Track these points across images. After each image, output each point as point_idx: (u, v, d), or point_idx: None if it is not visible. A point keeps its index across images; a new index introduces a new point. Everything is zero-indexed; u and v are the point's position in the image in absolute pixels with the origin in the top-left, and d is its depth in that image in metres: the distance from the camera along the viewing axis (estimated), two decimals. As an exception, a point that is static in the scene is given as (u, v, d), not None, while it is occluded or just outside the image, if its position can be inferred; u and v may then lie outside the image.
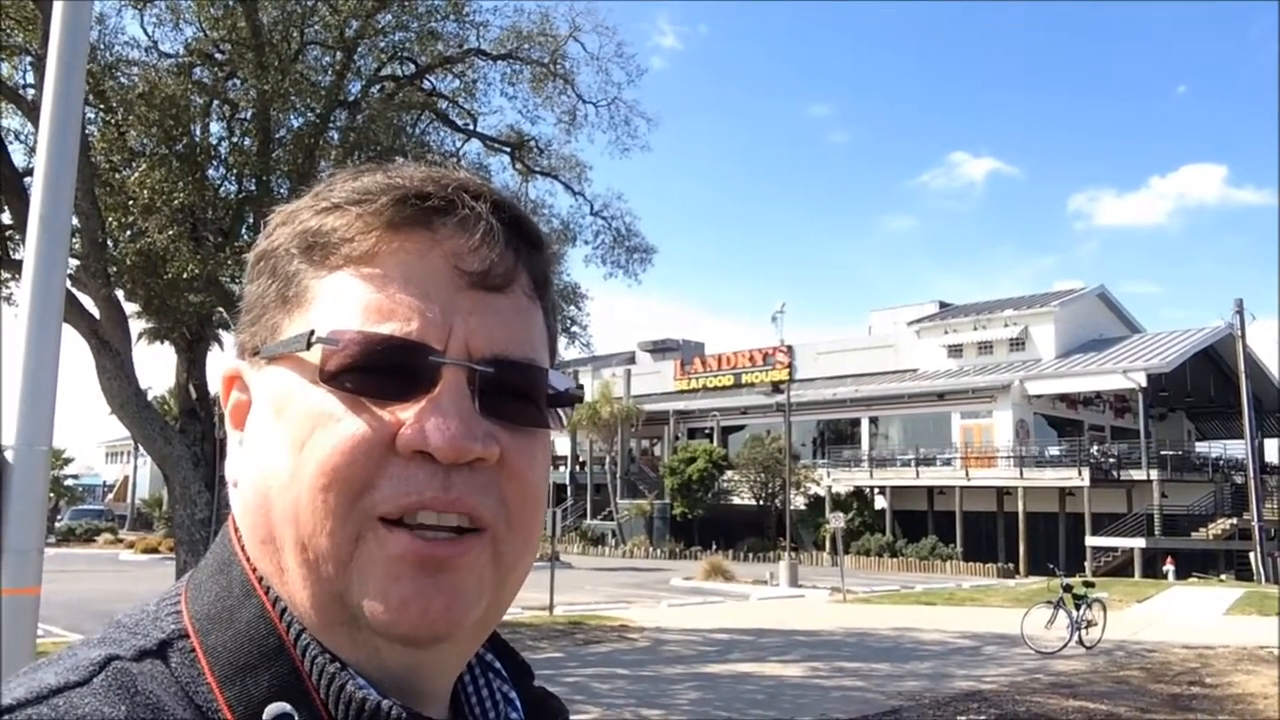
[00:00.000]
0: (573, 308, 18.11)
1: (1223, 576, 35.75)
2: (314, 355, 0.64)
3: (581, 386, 0.73)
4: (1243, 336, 37.67)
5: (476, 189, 0.68)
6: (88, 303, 12.62)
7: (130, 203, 13.00)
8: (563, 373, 0.72)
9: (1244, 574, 35.36)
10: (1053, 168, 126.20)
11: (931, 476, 42.95)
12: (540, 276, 0.72)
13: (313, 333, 0.64)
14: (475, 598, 0.64)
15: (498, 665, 0.77)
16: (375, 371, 0.63)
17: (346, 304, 0.65)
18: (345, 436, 0.62)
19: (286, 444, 0.64)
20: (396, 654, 0.64)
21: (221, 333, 16.17)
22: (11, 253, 13.92)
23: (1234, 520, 38.50)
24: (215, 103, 14.86)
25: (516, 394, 0.66)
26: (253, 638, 0.63)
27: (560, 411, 0.71)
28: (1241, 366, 36.78)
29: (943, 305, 52.44)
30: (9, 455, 4.42)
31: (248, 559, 0.67)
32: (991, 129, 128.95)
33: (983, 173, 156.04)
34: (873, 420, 47.68)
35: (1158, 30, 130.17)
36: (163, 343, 16.36)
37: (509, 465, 0.65)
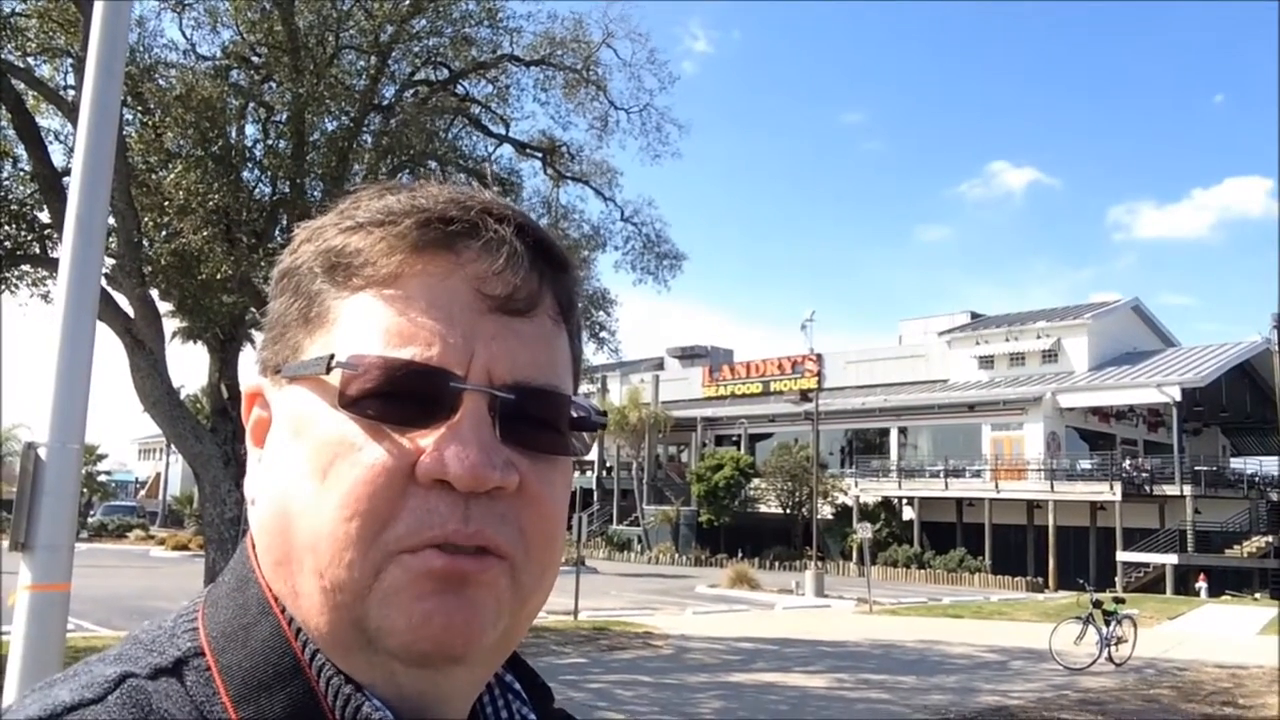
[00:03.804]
0: (601, 313, 18.14)
1: (1257, 595, 35.20)
2: (334, 379, 0.63)
3: (604, 413, 0.72)
4: (1279, 351, 37.13)
5: (501, 212, 0.67)
6: (123, 302, 12.79)
7: (166, 203, 13.15)
8: (586, 395, 0.70)
9: (1278, 593, 34.82)
10: (1093, 179, 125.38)
11: (961, 488, 42.62)
12: (565, 299, 0.70)
13: (333, 356, 0.63)
14: (493, 618, 0.63)
15: (517, 686, 0.76)
16: (395, 397, 0.62)
17: (368, 327, 0.64)
18: (367, 466, 0.61)
19: (307, 469, 0.63)
20: (412, 677, 0.63)
21: (254, 333, 16.32)
22: (49, 251, 14.12)
23: (1269, 538, 37.95)
24: (251, 105, 15.01)
25: (538, 420, 0.65)
26: (268, 657, 0.62)
27: (585, 436, 0.69)
28: (1278, 382, 36.25)
29: (974, 316, 52.09)
30: (42, 453, 4.47)
31: (264, 577, 0.66)
32: (1035, 138, 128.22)
33: (1022, 183, 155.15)
34: (902, 430, 47.41)
35: (1194, 37, 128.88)
36: (196, 342, 16.55)
37: (528, 493, 0.64)
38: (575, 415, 0.68)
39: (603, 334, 18.25)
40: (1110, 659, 15.78)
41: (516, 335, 0.65)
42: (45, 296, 15.07)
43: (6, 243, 14.01)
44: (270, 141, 15.20)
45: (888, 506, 44.61)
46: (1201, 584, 34.60)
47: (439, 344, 0.63)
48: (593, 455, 55.17)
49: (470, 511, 0.61)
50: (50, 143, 13.60)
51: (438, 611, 0.60)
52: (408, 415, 0.62)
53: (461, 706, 0.67)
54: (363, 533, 0.60)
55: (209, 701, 0.61)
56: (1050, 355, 44.90)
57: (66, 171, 12.06)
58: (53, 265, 13.24)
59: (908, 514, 44.51)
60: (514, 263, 0.66)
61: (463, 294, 0.64)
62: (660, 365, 61.82)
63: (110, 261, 12.09)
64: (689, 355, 62.72)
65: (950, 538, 42.62)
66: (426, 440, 0.62)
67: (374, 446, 0.61)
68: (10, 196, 14.13)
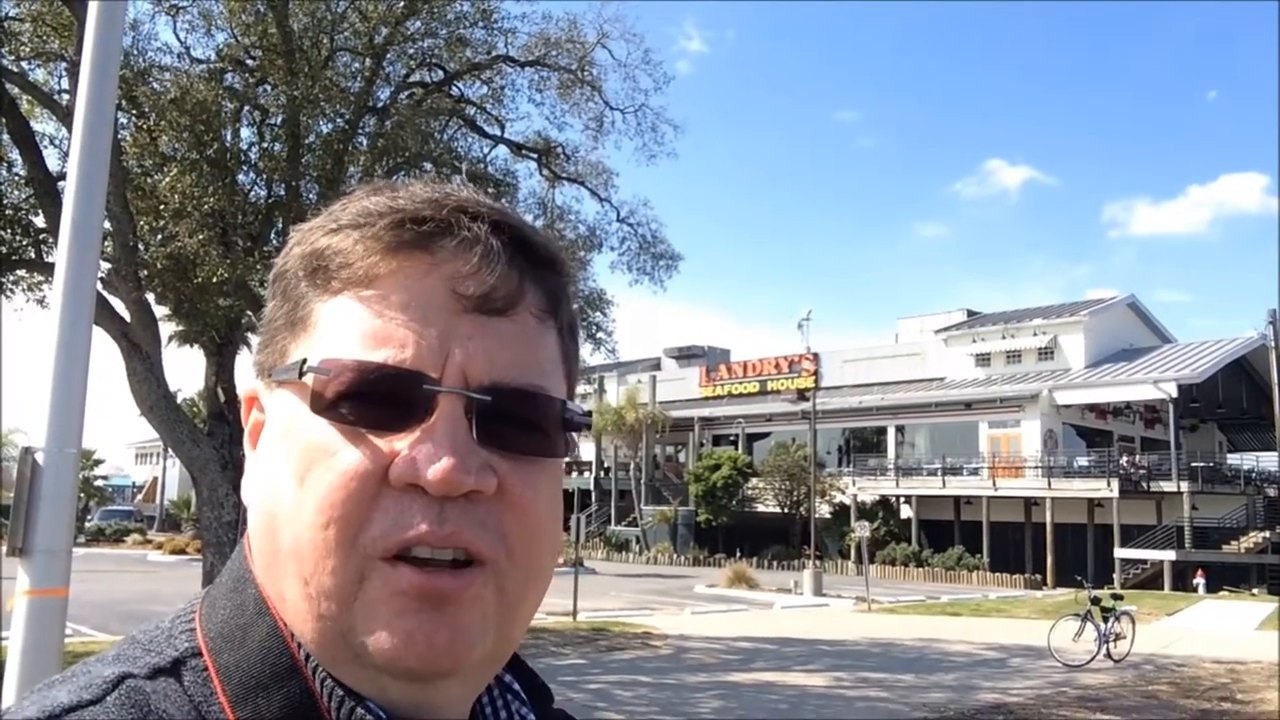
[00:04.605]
0: (598, 314, 18.13)
1: (1255, 590, 35.26)
2: (309, 383, 0.63)
3: (589, 413, 0.71)
4: (1276, 347, 37.18)
5: (475, 209, 0.66)
6: (119, 306, 12.76)
7: (161, 207, 13.13)
8: (583, 396, 0.70)
9: (1276, 588, 34.86)
10: (1090, 176, 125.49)
11: (958, 486, 42.63)
12: (551, 296, 0.69)
13: (304, 361, 0.63)
14: (480, 633, 0.63)
15: (516, 687, 0.76)
16: (370, 400, 0.62)
17: (345, 329, 0.64)
18: (340, 471, 0.61)
19: (288, 473, 0.63)
20: (402, 689, 0.63)
21: (250, 336, 16.30)
22: (45, 255, 14.10)
23: (1266, 533, 38.00)
24: (246, 108, 14.99)
25: (519, 422, 0.64)
26: (265, 657, 0.63)
27: (569, 435, 0.69)
28: (1274, 377, 36.32)
29: (971, 314, 52.11)
30: (39, 457, 4.46)
31: (260, 578, 0.66)
32: (1030, 136, 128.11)
33: (1018, 181, 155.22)
34: (899, 429, 47.42)
35: (1186, 34, 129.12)
36: (192, 346, 16.49)
37: (509, 496, 0.63)
38: (560, 414, 0.67)
39: (599, 334, 18.25)
40: (1109, 655, 15.79)
41: (495, 335, 0.64)
42: (41, 301, 15.05)
43: (2, 248, 13.98)
44: (265, 144, 15.17)
45: (885, 505, 44.62)
46: (1199, 580, 34.64)
47: (413, 346, 0.62)
48: (590, 456, 55.19)
49: (445, 514, 0.60)
50: (45, 147, 13.60)
51: (419, 630, 0.60)
52: (382, 418, 0.62)
53: (460, 709, 0.67)
54: (340, 538, 0.60)
55: (207, 702, 0.61)
56: (1047, 352, 44.92)
57: (61, 176, 12.05)
58: (48, 270, 13.21)
59: (905, 512, 44.52)
60: (489, 261, 0.65)
61: (438, 294, 0.64)
62: (657, 365, 61.81)
63: (106, 266, 12.07)
64: (686, 355, 62.71)
65: (948, 536, 42.63)
66: (402, 443, 0.61)
67: (348, 450, 0.61)
68: (5, 201, 14.10)
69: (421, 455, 0.60)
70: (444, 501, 0.60)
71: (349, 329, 0.63)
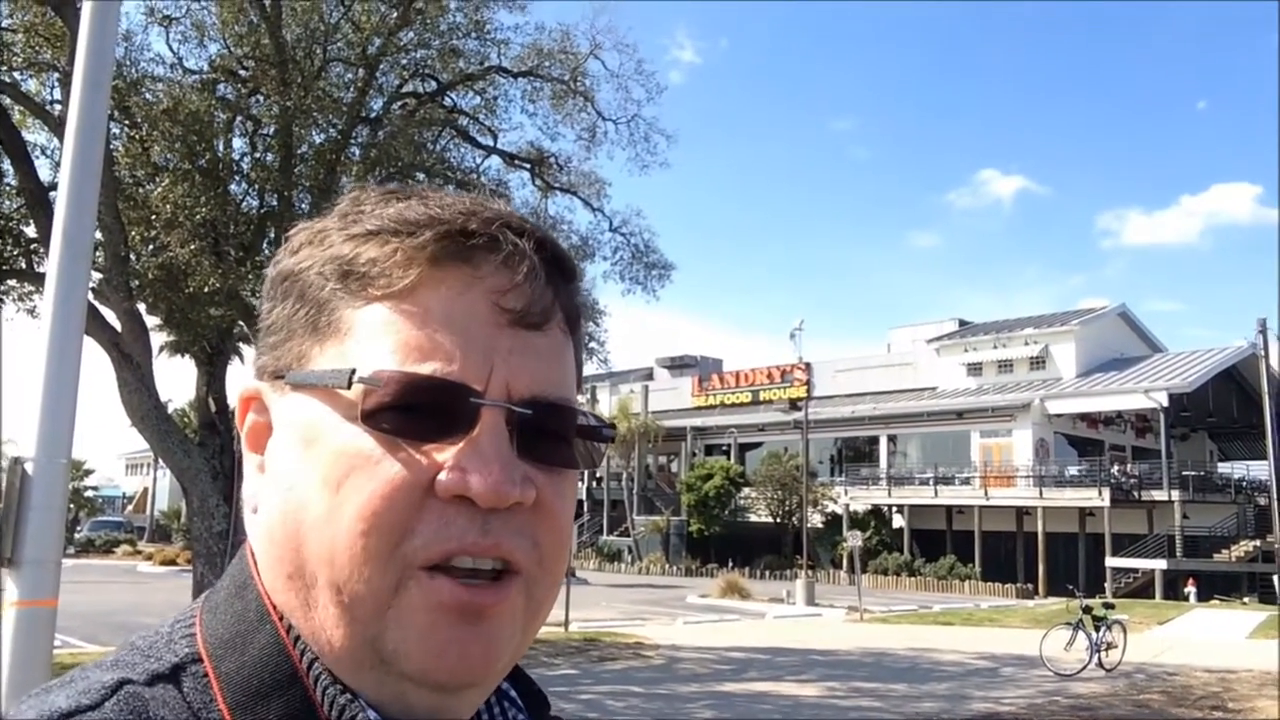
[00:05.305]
0: (591, 324, 18.14)
1: (1245, 599, 35.34)
2: (352, 393, 0.63)
3: (614, 427, 0.72)
4: (1265, 356, 37.32)
5: (519, 225, 0.67)
6: (110, 316, 12.75)
7: (153, 217, 13.12)
8: (590, 405, 0.71)
9: (1267, 597, 34.89)
10: (1082, 186, 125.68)
11: (950, 495, 42.65)
12: (573, 311, 0.71)
13: (354, 372, 0.62)
14: (509, 642, 0.64)
15: (513, 694, 0.76)
16: (414, 411, 0.62)
17: (385, 340, 0.63)
18: (385, 480, 0.61)
19: (319, 480, 0.63)
20: (424, 697, 0.63)
21: (242, 346, 16.27)
22: (36, 266, 14.07)
23: (1257, 542, 38.04)
24: (238, 119, 15.00)
25: (551, 435, 0.65)
26: (265, 665, 0.63)
27: (600, 447, 0.70)
28: (1264, 386, 36.39)
29: (962, 323, 52.18)
30: (29, 467, 4.45)
31: (264, 585, 0.66)
32: (1024, 146, 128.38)
33: (1011, 191, 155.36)
34: (891, 438, 47.45)
35: (1174, 44, 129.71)
36: (183, 356, 16.50)
37: (543, 507, 0.64)
38: (587, 426, 0.68)
39: (592, 344, 18.26)
40: (1100, 664, 15.81)
41: (533, 350, 0.65)
42: (32, 311, 15.01)
43: (-7, 258, 13.95)
44: (258, 154, 15.18)
45: (878, 514, 44.60)
46: (1190, 589, 34.68)
47: (459, 359, 0.63)
48: (582, 466, 54.94)
49: (489, 525, 0.62)
50: (37, 157, 13.57)
51: (454, 642, 0.61)
52: (426, 430, 0.62)
53: (470, 713, 0.68)
54: (380, 547, 0.61)
55: (206, 708, 0.61)
56: (1038, 362, 45.04)
57: (53, 186, 12.03)
58: (39, 280, 13.19)
59: (898, 522, 44.52)
60: (532, 277, 0.66)
61: (480, 308, 0.64)
62: (649, 375, 61.77)
63: (97, 276, 12.05)
64: (678, 365, 62.72)
65: (940, 545, 42.65)
66: (444, 455, 0.62)
67: (391, 460, 0.61)
68: (-4, 211, 14.08)
69: (470, 468, 0.61)
70: (488, 513, 0.61)
71: (390, 340, 0.63)
